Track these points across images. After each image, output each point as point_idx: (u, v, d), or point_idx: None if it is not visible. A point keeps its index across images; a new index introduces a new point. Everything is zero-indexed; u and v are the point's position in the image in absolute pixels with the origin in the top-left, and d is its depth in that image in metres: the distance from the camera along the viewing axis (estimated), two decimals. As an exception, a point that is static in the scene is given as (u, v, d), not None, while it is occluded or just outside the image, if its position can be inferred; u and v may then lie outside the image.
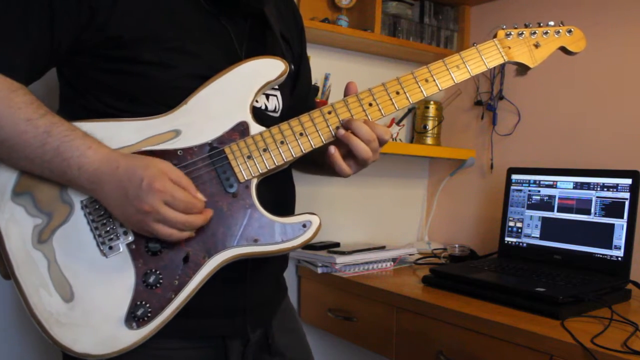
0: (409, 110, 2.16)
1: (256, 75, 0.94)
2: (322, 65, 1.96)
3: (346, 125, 0.94)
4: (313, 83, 1.90)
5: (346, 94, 0.99)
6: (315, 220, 0.93)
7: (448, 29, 2.18)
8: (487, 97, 2.06)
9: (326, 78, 1.94)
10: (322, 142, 0.95)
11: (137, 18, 0.89)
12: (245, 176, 0.92)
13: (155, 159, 0.86)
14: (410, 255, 1.92)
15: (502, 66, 1.99)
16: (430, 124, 2.12)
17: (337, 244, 1.90)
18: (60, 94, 0.99)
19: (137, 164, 0.84)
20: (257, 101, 0.98)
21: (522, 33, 1.07)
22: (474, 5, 2.16)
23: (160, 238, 0.85)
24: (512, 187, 1.78)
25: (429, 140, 2.13)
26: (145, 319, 0.86)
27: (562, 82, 1.87)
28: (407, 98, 0.99)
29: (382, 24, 1.96)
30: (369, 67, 2.11)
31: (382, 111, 0.98)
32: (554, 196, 1.67)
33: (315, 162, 1.12)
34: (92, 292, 0.86)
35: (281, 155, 0.94)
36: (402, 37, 2.06)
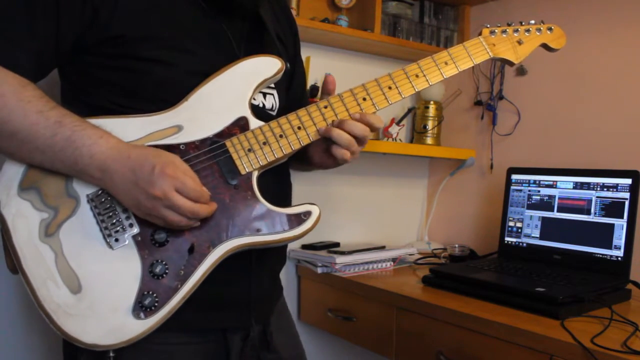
0: (409, 110, 2.15)
1: (255, 73, 0.98)
2: (322, 65, 1.95)
3: (339, 125, 0.99)
4: (313, 83, 1.91)
5: (324, 86, 1.02)
6: (315, 210, 0.96)
7: (448, 29, 2.17)
8: (487, 97, 2.05)
9: (326, 78, 1.94)
10: (319, 135, 1.00)
11: (138, 17, 0.91)
12: (246, 168, 0.94)
13: (164, 151, 0.88)
14: (410, 255, 1.92)
15: (502, 66, 1.99)
16: (430, 124, 2.12)
17: (337, 244, 1.89)
18: (62, 92, 1.00)
19: (148, 152, 0.86)
20: (254, 99, 1.00)
21: (505, 31, 1.12)
22: (474, 5, 2.16)
23: (169, 225, 0.87)
24: (512, 187, 1.78)
25: (429, 140, 2.13)
26: (153, 308, 0.87)
27: (562, 82, 1.87)
28: (399, 93, 1.03)
29: (382, 24, 1.96)
30: (369, 67, 2.11)
31: (376, 105, 1.02)
32: (554, 196, 1.67)
33: (299, 159, 1.14)
34: (100, 283, 0.87)
35: (280, 149, 0.97)
36: (402, 37, 2.06)
